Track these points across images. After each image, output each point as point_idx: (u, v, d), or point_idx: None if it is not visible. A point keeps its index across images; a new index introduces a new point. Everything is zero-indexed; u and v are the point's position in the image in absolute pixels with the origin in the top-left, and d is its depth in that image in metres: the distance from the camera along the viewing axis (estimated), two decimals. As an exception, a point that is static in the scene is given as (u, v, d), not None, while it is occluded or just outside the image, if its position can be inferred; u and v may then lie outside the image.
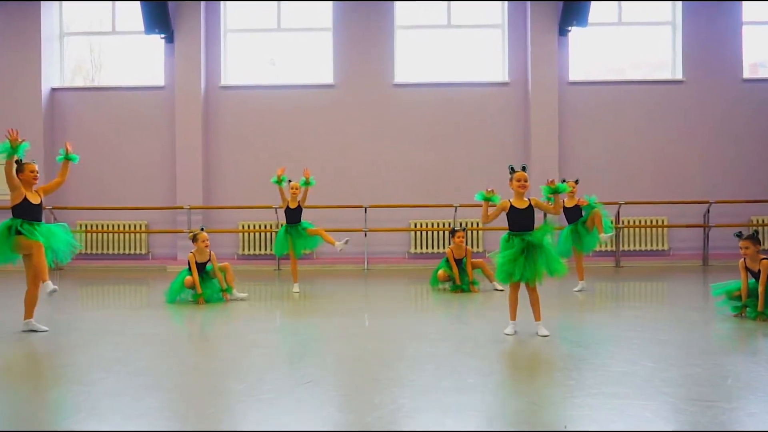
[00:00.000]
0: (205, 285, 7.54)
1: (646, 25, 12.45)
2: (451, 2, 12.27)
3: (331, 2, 12.19)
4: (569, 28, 11.76)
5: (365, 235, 11.42)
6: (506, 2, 12.16)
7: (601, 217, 7.99)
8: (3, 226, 5.69)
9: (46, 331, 5.76)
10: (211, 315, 6.90)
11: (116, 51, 12.89)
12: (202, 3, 12.03)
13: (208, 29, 12.21)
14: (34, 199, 5.80)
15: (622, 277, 10.00)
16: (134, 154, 12.28)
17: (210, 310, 7.10)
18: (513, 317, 5.54)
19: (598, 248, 8.68)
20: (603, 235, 7.88)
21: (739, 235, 6.25)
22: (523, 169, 5.57)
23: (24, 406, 3.79)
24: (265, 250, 11.94)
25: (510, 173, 5.53)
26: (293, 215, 8.28)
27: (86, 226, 12.06)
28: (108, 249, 12.10)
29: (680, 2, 12.06)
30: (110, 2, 12.42)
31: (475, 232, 11.87)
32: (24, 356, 5.07)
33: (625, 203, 11.41)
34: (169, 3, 11.73)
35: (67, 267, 10.68)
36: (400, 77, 12.23)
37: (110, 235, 12.11)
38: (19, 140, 5.65)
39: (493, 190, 5.57)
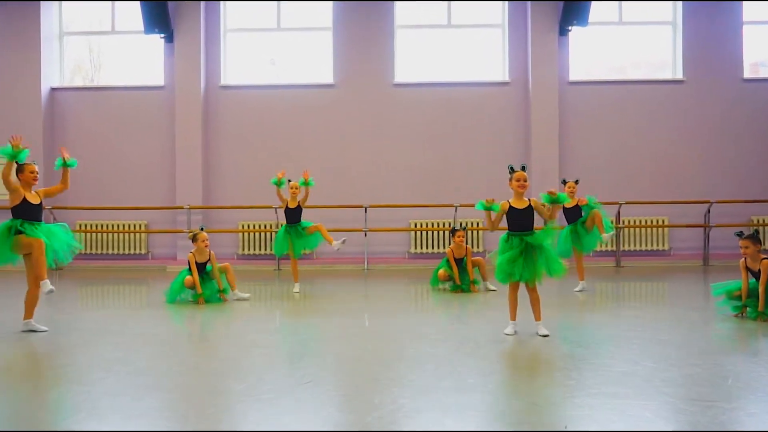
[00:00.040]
0: (205, 285, 7.54)
1: (646, 25, 12.44)
2: (451, 2, 12.26)
3: (331, 2, 12.19)
4: (570, 28, 11.75)
5: (365, 235, 11.42)
6: (506, 2, 12.15)
7: (601, 216, 7.98)
8: (3, 227, 5.69)
9: (46, 331, 5.76)
10: (211, 315, 6.90)
11: (116, 51, 12.88)
12: (202, 3, 12.02)
13: (208, 29, 12.20)
14: (34, 200, 5.81)
15: (622, 277, 9.99)
16: (134, 154, 12.28)
17: (210, 310, 7.10)
18: (513, 317, 5.54)
19: (598, 248, 8.68)
20: (605, 235, 7.88)
21: (740, 235, 6.25)
22: (523, 168, 5.55)
23: (24, 406, 3.79)
24: (265, 250, 11.94)
25: (510, 173, 5.52)
26: (293, 215, 8.28)
27: (86, 226, 12.07)
28: (108, 249, 12.10)
29: (681, 2, 12.05)
30: (110, 2, 12.41)
31: (475, 232, 11.86)
32: (24, 356, 5.07)
33: (626, 203, 11.41)
34: (169, 3, 11.73)
35: (67, 267, 10.68)
36: (400, 77, 12.23)
37: (110, 235, 12.11)
38: (21, 147, 5.67)
39: (493, 200, 5.54)
